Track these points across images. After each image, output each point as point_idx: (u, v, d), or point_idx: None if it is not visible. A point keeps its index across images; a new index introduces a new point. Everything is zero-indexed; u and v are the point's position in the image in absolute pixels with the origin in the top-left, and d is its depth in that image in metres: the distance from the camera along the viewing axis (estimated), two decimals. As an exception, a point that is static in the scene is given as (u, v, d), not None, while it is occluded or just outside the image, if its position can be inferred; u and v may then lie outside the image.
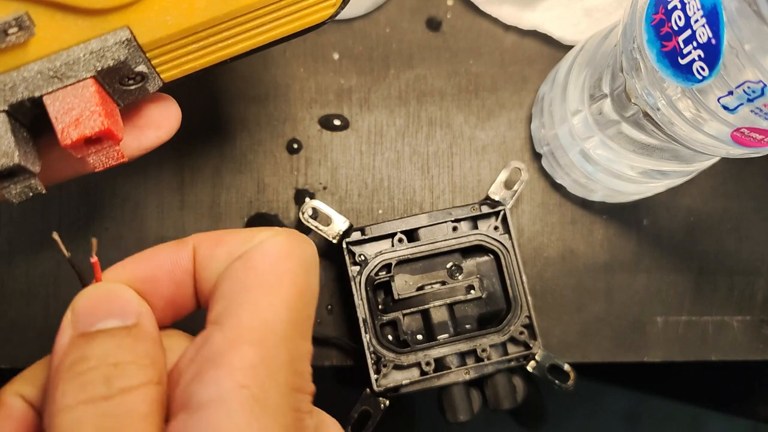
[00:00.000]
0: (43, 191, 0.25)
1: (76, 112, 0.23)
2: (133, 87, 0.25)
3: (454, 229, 0.40)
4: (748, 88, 0.25)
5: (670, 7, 0.27)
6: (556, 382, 0.39)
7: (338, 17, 0.28)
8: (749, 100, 0.26)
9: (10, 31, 0.22)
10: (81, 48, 0.23)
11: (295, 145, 0.43)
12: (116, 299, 0.23)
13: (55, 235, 0.24)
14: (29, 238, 0.42)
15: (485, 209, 0.40)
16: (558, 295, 0.43)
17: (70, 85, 0.23)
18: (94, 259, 0.23)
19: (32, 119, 0.25)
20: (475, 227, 0.40)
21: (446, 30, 0.44)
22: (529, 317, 0.39)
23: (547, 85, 0.42)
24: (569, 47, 0.43)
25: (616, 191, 0.41)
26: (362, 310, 0.38)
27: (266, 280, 0.22)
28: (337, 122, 0.43)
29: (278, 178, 0.43)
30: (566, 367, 0.39)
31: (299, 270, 0.23)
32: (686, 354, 0.43)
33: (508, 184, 0.41)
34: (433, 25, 0.44)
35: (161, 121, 0.29)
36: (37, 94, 0.23)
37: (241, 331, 0.21)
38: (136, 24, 0.24)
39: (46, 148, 0.27)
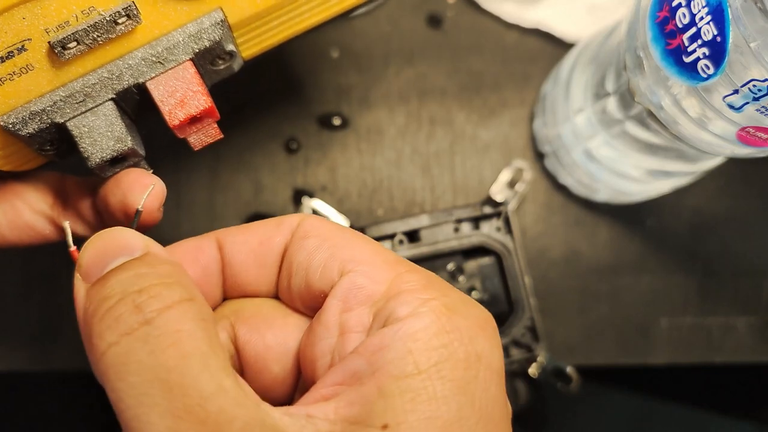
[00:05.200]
0: (152, 172, 0.26)
1: (180, 93, 0.24)
2: (222, 67, 0.26)
3: (456, 230, 0.39)
4: (754, 86, 0.25)
5: (674, 4, 0.27)
6: (559, 385, 0.39)
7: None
8: (755, 99, 0.26)
9: (120, 20, 0.23)
10: (180, 32, 0.25)
11: (294, 145, 0.42)
12: (118, 240, 0.22)
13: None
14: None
15: (487, 210, 0.40)
16: (561, 296, 0.42)
17: (170, 69, 0.25)
18: (72, 248, 0.23)
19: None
20: (477, 228, 0.40)
21: (447, 27, 0.44)
22: (532, 319, 0.39)
23: (549, 83, 0.42)
24: (572, 45, 0.42)
25: (621, 192, 0.40)
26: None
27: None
28: (336, 121, 0.43)
29: (276, 178, 0.42)
30: (569, 369, 0.39)
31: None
32: (691, 356, 0.42)
33: (510, 184, 0.41)
34: (434, 22, 0.44)
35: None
36: (141, 80, 0.24)
37: None
38: (228, 4, 0.25)
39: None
